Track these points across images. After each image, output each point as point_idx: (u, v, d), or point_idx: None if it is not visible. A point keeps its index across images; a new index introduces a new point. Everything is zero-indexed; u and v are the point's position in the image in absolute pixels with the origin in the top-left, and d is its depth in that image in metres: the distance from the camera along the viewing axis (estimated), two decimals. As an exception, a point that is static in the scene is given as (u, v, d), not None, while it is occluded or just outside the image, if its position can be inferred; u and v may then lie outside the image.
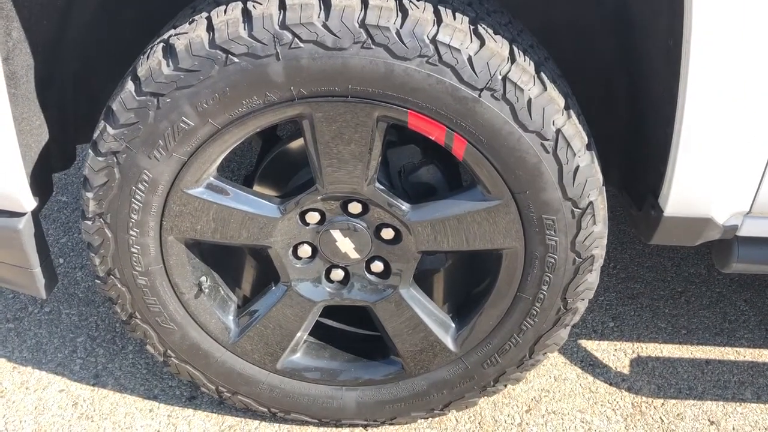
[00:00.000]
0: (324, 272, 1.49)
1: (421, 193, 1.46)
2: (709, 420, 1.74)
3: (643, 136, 1.48)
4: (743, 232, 1.46)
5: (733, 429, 1.72)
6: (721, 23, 1.13)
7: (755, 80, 1.18)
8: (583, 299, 1.47)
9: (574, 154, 1.28)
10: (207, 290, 1.49)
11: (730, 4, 1.11)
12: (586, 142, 1.31)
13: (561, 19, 1.51)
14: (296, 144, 1.47)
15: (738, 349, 1.94)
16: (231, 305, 1.56)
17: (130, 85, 1.26)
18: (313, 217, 1.42)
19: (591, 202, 1.33)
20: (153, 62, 1.24)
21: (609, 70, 1.54)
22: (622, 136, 1.56)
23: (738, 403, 1.78)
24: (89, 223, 1.38)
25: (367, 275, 1.49)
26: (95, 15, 1.50)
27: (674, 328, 1.99)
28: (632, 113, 1.53)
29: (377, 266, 1.47)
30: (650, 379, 1.83)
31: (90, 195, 1.35)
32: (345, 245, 1.44)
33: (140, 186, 1.32)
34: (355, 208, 1.41)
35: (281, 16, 1.18)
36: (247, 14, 1.20)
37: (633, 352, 1.92)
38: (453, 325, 1.53)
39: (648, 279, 2.15)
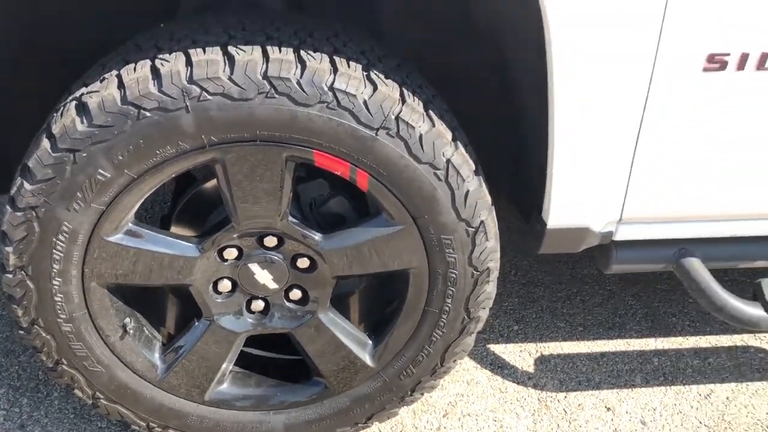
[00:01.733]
0: (245, 304, 1.58)
1: (333, 223, 1.57)
2: (605, 407, 1.93)
3: (526, 158, 1.66)
4: (618, 237, 1.65)
5: (626, 412, 1.92)
6: (578, 67, 1.31)
7: (611, 114, 1.37)
8: (484, 308, 1.62)
9: (464, 180, 1.43)
10: (132, 331, 1.55)
11: (585, 54, 1.29)
12: (474, 168, 1.46)
13: (454, 62, 1.68)
14: (210, 184, 1.56)
15: (628, 340, 2.15)
16: (156, 343, 1.62)
17: (45, 143, 1.32)
18: (230, 253, 1.51)
19: (482, 221, 1.49)
20: (67, 120, 1.31)
21: (497, 103, 1.72)
22: (510, 158, 1.74)
23: (630, 389, 1.98)
24: (10, 276, 1.42)
25: (287, 303, 1.59)
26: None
27: (572, 326, 2.19)
28: (517, 139, 1.70)
29: (295, 294, 1.58)
30: (553, 375, 2.01)
31: (10, 249, 1.39)
32: (263, 277, 1.54)
33: (60, 237, 1.38)
34: (270, 241, 1.51)
35: (188, 72, 1.28)
36: (155, 71, 1.29)
37: (536, 351, 2.09)
38: (370, 342, 1.65)
39: (546, 282, 2.35)
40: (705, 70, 1.35)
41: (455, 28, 1.64)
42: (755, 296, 1.73)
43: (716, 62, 1.34)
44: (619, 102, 1.37)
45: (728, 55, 1.34)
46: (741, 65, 1.35)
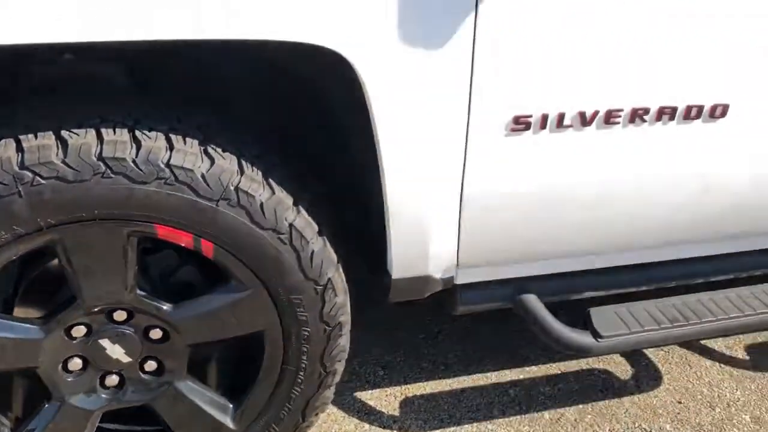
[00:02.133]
0: (98, 380, 1.57)
1: (184, 292, 1.60)
2: (467, 441, 2.04)
3: (370, 217, 1.76)
4: (460, 281, 1.78)
5: (486, 444, 2.04)
6: (401, 134, 1.43)
7: (435, 174, 1.50)
8: (340, 360, 1.69)
9: (308, 242, 1.51)
10: (-25, 420, 1.49)
11: (405, 121, 1.41)
12: (317, 229, 1.54)
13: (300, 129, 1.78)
14: (53, 263, 1.54)
15: (486, 374, 2.29)
16: (4, 430, 1.56)
17: None
18: (79, 331, 1.50)
19: (330, 279, 1.57)
20: None
21: (341, 167, 1.82)
22: (355, 215, 1.84)
23: (489, 421, 2.11)
24: None
25: (142, 376, 1.59)
26: None
27: (434, 366, 2.30)
28: (362, 199, 1.81)
29: (150, 365, 1.58)
30: (417, 416, 2.11)
31: None
32: (115, 351, 1.54)
33: None
34: (120, 315, 1.51)
35: (20, 158, 1.29)
36: (-15, 158, 1.29)
37: (401, 394, 2.18)
38: (231, 405, 1.67)
39: (409, 326, 2.45)
40: (513, 130, 1.51)
41: (295, 103, 1.74)
42: (585, 325, 1.91)
43: (521, 123, 1.51)
44: (441, 163, 1.50)
45: (531, 116, 1.51)
46: (543, 125, 1.52)
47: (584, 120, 1.55)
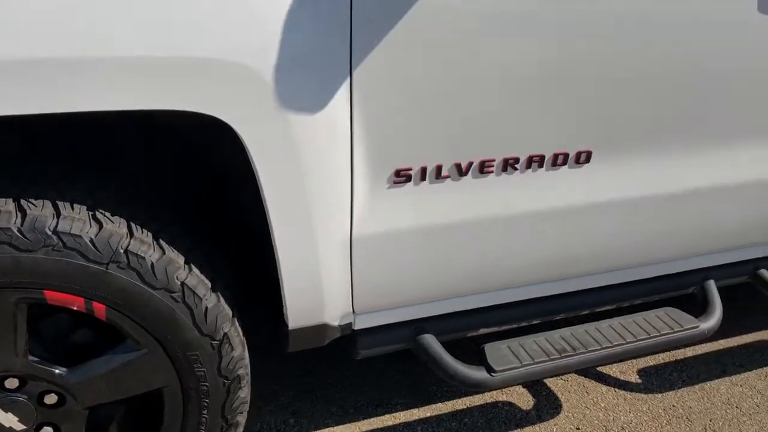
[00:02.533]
0: (-9, 450, 1.55)
1: (80, 354, 1.61)
2: (375, 482, 2.09)
3: (266, 268, 1.82)
4: (358, 327, 1.86)
5: (394, 484, 2.09)
6: (287, 191, 1.50)
7: (324, 226, 1.58)
8: (241, 413, 1.73)
9: (201, 299, 1.55)
10: None
11: (290, 180, 1.49)
12: (210, 286, 1.59)
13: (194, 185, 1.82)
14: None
15: (395, 414, 2.35)
16: None
17: None
18: (-32, 402, 1.48)
19: (226, 333, 1.61)
20: None
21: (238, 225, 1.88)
22: (252, 268, 1.89)
23: (397, 461, 2.17)
24: None
25: (37, 442, 1.58)
26: None
27: (344, 410, 2.35)
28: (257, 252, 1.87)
29: (47, 431, 1.57)
30: (327, 461, 2.15)
31: None
32: (8, 420, 1.52)
33: None
34: (12, 383, 1.51)
35: None
36: None
37: (312, 440, 2.22)
38: (133, 465, 1.68)
39: (320, 370, 2.50)
40: (395, 182, 1.61)
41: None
42: (481, 361, 2.00)
43: (403, 176, 1.61)
44: (327, 215, 1.58)
45: (411, 169, 1.61)
46: (423, 176, 1.63)
47: (460, 170, 1.66)
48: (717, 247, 2.19)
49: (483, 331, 2.08)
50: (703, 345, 2.77)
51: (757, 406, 2.48)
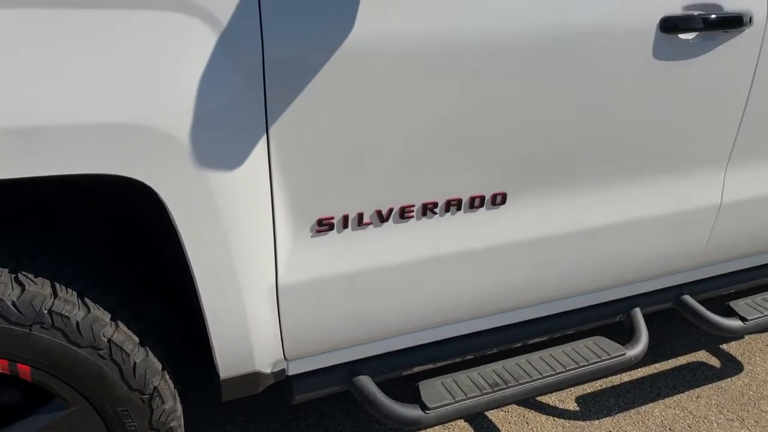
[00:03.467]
0: None
1: (10, 416, 1.61)
2: None
3: (195, 320, 1.85)
4: (292, 372, 1.89)
5: None
6: (207, 245, 1.55)
7: (247, 275, 1.62)
8: (176, 465, 1.74)
9: (129, 355, 1.58)
10: None
11: (210, 233, 1.54)
12: (138, 341, 1.61)
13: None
14: None
15: (338, 455, 2.38)
16: None
17: None
18: None
19: (155, 387, 1.63)
20: None
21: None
22: (182, 321, 1.92)
23: (340, 502, 2.18)
24: None
25: (-35, 508, 1.56)
26: None
27: (288, 454, 2.36)
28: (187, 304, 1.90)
29: (-26, 497, 1.57)
30: (269, 507, 2.15)
31: None
32: (-66, 487, 1.52)
33: None
34: (-63, 449, 1.50)
35: None
36: None
37: (254, 487, 2.22)
38: None
39: (263, 416, 2.51)
40: (318, 231, 1.67)
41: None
42: (416, 399, 2.05)
43: (325, 224, 1.67)
44: (252, 265, 1.63)
45: (333, 218, 1.67)
46: (345, 224, 1.69)
47: (381, 217, 1.73)
48: (638, 277, 2.29)
49: (417, 369, 2.14)
50: (639, 369, 2.87)
51: (689, 427, 2.57)
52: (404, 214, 1.75)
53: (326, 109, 1.56)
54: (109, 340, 1.55)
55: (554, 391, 2.58)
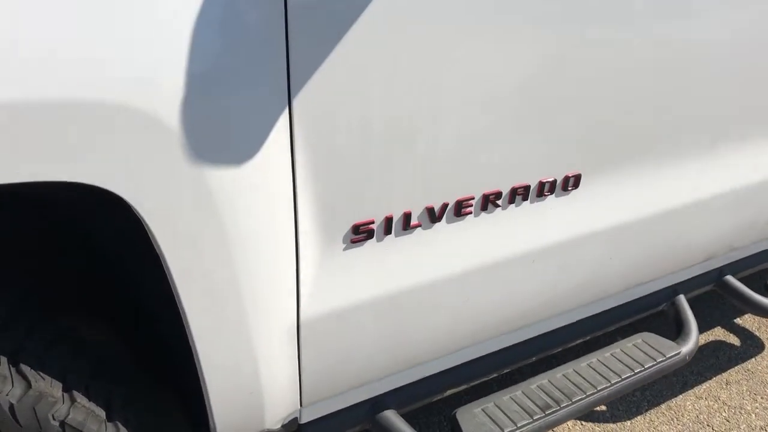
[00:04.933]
0: None
1: None
2: None
3: (190, 385, 1.35)
4: (305, 420, 1.43)
5: None
6: (202, 288, 1.05)
7: (261, 327, 1.14)
8: None
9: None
10: None
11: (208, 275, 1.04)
12: (105, 415, 1.11)
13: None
14: None
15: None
16: None
17: None
18: None
19: (133, 476, 1.14)
20: None
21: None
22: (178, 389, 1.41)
23: None
24: None
25: None
26: None
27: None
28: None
29: None
30: None
31: None
32: None
33: None
34: None
35: None
36: None
37: None
38: None
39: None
40: (353, 241, 1.20)
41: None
42: (453, 429, 1.64)
43: (362, 232, 1.20)
44: (267, 300, 1.14)
45: (373, 222, 1.20)
46: (387, 229, 1.22)
47: (433, 216, 1.27)
48: (701, 259, 1.95)
49: (450, 392, 1.72)
50: (658, 355, 2.56)
51: (727, 420, 2.30)
52: (461, 209, 1.30)
53: (368, 73, 1.07)
54: (63, 423, 1.04)
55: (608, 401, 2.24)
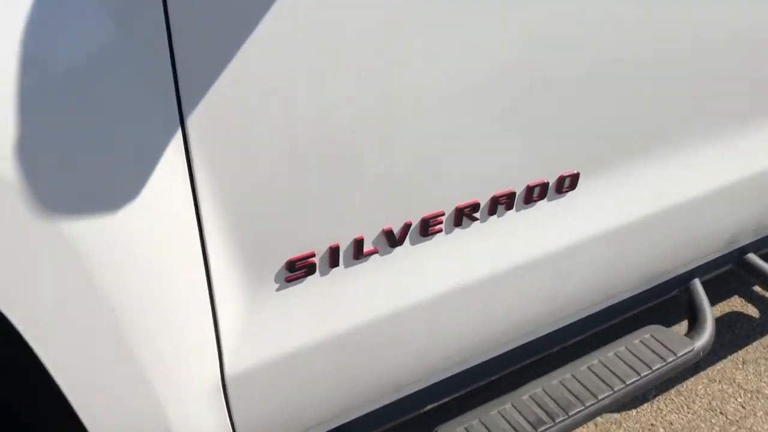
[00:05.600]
0: None
1: None
2: None
3: None
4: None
5: None
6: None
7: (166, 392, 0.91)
8: None
9: None
10: None
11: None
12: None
13: None
14: None
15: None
16: None
17: None
18: None
19: None
20: None
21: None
22: None
23: None
24: None
25: None
26: None
27: None
28: None
29: None
30: None
31: None
32: None
33: None
34: None
35: None
36: None
37: None
38: None
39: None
40: (288, 280, 0.96)
41: None
42: (435, 455, 1.45)
43: (300, 267, 0.95)
44: (180, 364, 0.91)
45: (314, 255, 0.96)
46: (333, 261, 0.98)
47: (392, 239, 1.02)
48: (723, 248, 1.70)
49: (426, 407, 1.52)
50: (668, 330, 2.35)
51: (743, 407, 2.10)
52: (428, 228, 1.05)
53: (288, 65, 0.80)
54: None
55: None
